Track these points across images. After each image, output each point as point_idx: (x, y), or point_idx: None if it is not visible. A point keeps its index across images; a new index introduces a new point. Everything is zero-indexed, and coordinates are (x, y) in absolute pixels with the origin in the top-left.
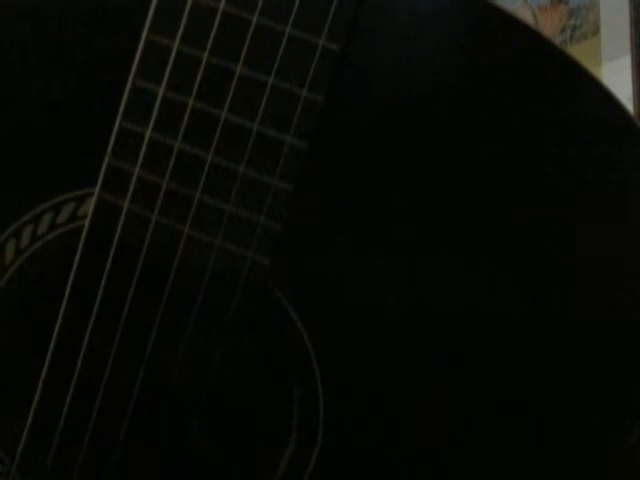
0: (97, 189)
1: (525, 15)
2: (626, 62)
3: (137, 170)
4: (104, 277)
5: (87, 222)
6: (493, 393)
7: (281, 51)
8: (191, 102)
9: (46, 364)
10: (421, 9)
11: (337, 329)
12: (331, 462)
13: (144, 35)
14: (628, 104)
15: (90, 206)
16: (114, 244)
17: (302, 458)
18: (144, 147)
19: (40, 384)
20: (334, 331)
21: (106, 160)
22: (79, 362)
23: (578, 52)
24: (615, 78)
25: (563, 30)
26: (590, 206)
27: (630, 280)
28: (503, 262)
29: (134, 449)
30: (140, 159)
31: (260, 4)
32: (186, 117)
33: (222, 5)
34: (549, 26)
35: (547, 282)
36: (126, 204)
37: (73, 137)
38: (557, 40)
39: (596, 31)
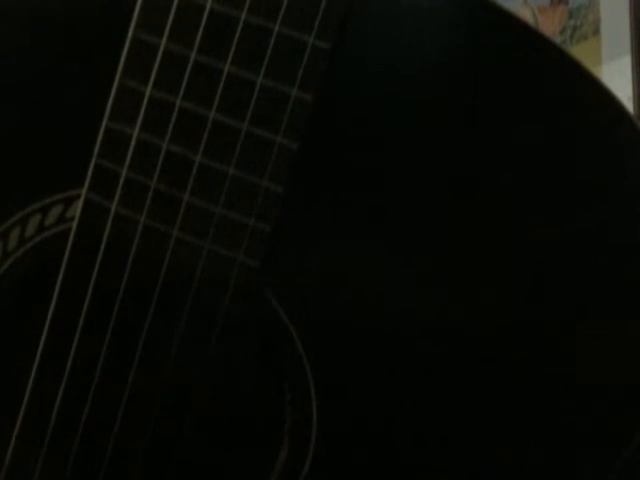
0: (84, 190)
1: (525, 15)
2: (626, 62)
3: (124, 171)
4: (93, 279)
5: (75, 224)
6: (486, 395)
7: (270, 49)
8: (179, 102)
9: (35, 367)
10: (420, 8)
11: (329, 331)
12: (325, 466)
13: (130, 33)
14: (628, 104)
15: (77, 208)
16: (102, 246)
17: (296, 462)
18: (131, 148)
19: (29, 389)
20: (326, 333)
21: (93, 161)
22: (69, 365)
23: (578, 52)
24: (615, 78)
25: (563, 30)
26: (589, 207)
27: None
28: (501, 262)
29: (125, 451)
30: (127, 160)
31: (248, 1)
32: (174, 117)
33: (209, 3)
34: (549, 26)
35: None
36: (114, 206)
37: (60, 138)
38: (557, 40)
39: (596, 31)
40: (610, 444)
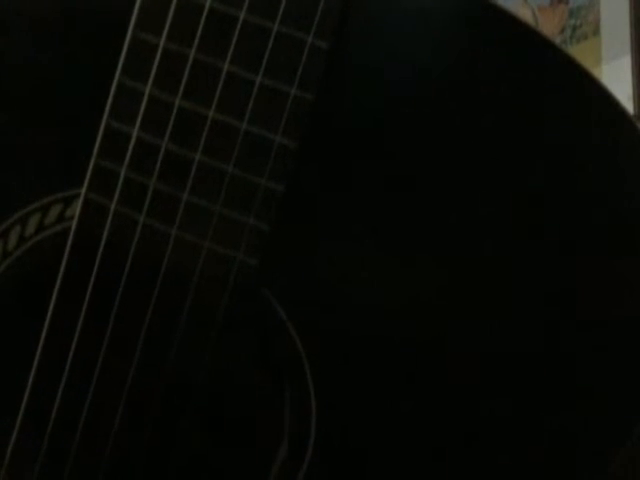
0: (83, 190)
1: (525, 15)
2: (626, 62)
3: (124, 170)
4: (92, 279)
5: (74, 223)
6: (486, 394)
7: (269, 49)
8: (178, 101)
9: (34, 366)
10: (420, 7)
11: (329, 329)
12: (324, 465)
13: (130, 32)
14: (628, 104)
15: (77, 207)
16: (102, 245)
17: (294, 462)
18: (131, 147)
19: (29, 387)
20: (326, 332)
21: (92, 160)
22: (68, 364)
23: (578, 52)
24: (615, 78)
25: (563, 30)
26: (588, 207)
27: (629, 293)
28: (505, 266)
29: (125, 450)
30: (127, 159)
31: (247, 1)
32: (173, 116)
33: (209, 2)
34: (549, 26)
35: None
36: (113, 205)
37: (60, 137)
38: (557, 40)
39: (596, 31)
40: (610, 437)
